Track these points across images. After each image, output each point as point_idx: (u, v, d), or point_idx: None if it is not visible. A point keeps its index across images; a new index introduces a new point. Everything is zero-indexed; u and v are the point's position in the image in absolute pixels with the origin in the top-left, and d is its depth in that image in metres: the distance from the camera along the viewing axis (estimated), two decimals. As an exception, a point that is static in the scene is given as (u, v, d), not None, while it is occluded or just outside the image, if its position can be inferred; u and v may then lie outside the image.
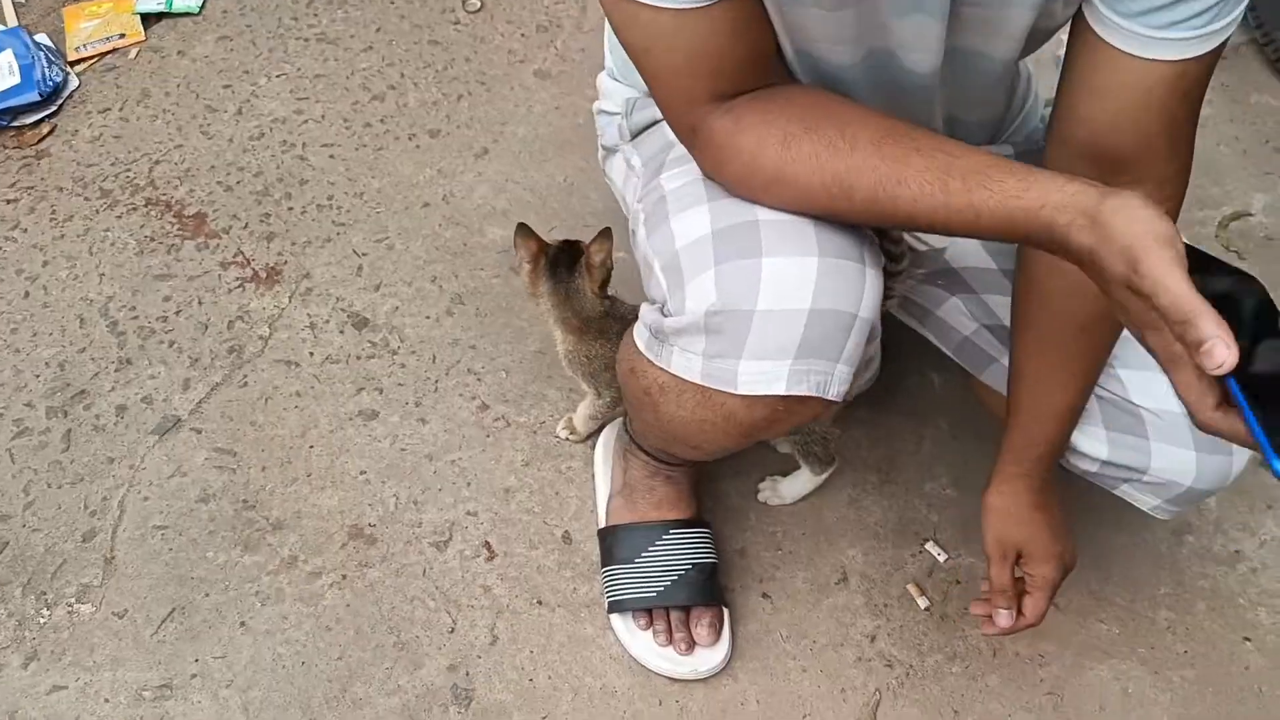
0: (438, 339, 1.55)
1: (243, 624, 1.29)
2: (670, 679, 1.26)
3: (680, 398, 0.93)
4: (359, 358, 1.52)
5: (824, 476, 1.37)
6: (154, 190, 1.71)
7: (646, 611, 1.27)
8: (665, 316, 0.91)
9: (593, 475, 1.41)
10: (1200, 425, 0.66)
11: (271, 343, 1.53)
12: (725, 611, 1.29)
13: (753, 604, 1.33)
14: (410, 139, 1.79)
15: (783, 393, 0.86)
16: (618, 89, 1.16)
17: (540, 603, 1.32)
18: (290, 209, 1.68)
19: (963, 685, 1.28)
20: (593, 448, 1.43)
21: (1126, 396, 1.05)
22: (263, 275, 1.60)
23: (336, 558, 1.34)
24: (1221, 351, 0.58)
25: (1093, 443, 1.07)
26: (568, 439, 1.45)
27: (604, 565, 1.31)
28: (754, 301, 0.84)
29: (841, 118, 0.84)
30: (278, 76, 1.87)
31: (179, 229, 1.66)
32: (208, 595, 1.31)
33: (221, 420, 1.45)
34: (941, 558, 1.38)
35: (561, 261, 1.26)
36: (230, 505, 1.38)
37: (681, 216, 0.92)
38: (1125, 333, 1.01)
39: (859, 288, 0.86)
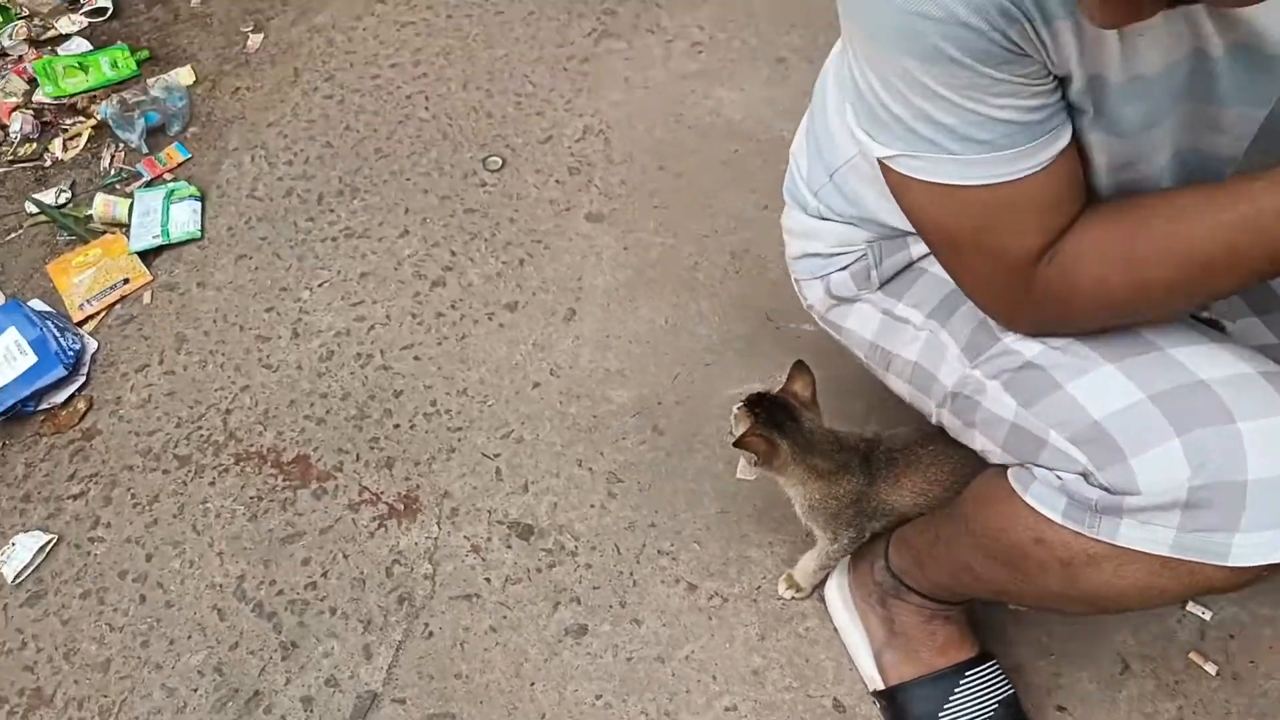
0: (612, 527, 1.44)
1: None
2: (1011, 829, 1.18)
3: (1121, 569, 0.87)
4: (539, 570, 1.40)
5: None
6: (237, 443, 1.55)
7: (967, 765, 1.19)
8: (1104, 491, 0.84)
9: (836, 631, 1.32)
10: None
11: (440, 579, 1.39)
12: (1040, 739, 1.21)
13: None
14: (490, 318, 1.68)
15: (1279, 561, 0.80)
16: (836, 229, 1.08)
17: (843, 785, 1.22)
18: (397, 426, 1.55)
19: (1287, 743, 1.23)
20: (821, 600, 1.34)
21: None
22: (400, 508, 1.47)
23: (613, 801, 1.22)
24: None
25: None
26: (794, 598, 1.35)
27: (900, 728, 1.22)
28: (1243, 471, 0.78)
29: (1149, 204, 0.80)
30: (320, 286, 1.74)
31: (285, 480, 1.51)
32: None
33: (422, 681, 1.31)
34: (1207, 615, 1.33)
35: (777, 418, 1.18)
36: (473, 776, 1.24)
37: (1083, 382, 0.86)
38: None
39: None
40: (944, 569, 1.11)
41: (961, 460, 1.15)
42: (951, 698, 1.20)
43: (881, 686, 1.25)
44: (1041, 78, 0.77)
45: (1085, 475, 0.87)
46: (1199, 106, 0.81)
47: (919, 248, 1.01)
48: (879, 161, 0.84)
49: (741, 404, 1.18)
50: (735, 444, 1.14)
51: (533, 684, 1.30)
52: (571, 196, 1.85)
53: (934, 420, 1.08)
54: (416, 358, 1.63)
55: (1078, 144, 0.82)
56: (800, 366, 1.21)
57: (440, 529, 1.44)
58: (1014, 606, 1.34)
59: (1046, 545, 0.91)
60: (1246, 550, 0.81)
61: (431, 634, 1.35)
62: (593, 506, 1.46)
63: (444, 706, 1.29)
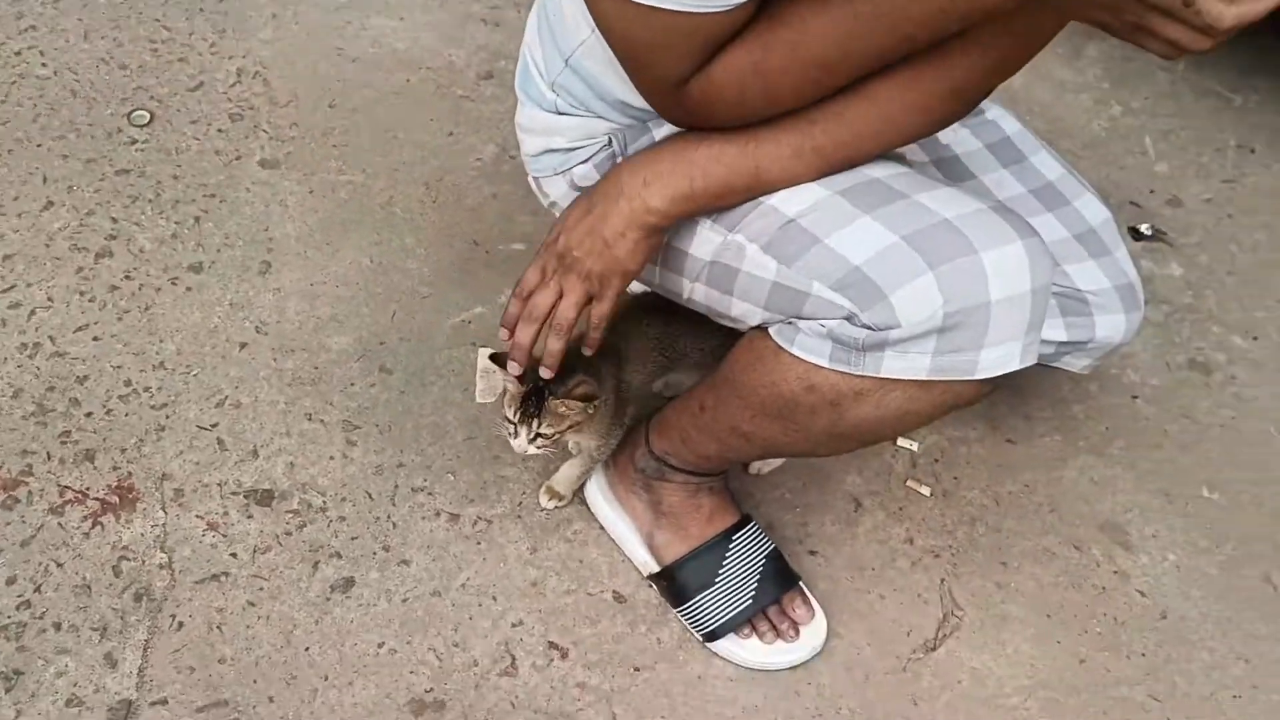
0: (358, 475, 1.38)
1: None
2: (793, 668, 1.27)
3: (884, 398, 0.95)
4: (289, 533, 1.32)
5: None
6: (-111, 468, 1.33)
7: (745, 621, 1.27)
8: (868, 329, 0.92)
9: (603, 529, 1.35)
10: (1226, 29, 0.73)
11: (178, 566, 1.28)
12: (802, 584, 1.32)
13: (809, 566, 1.37)
14: (174, 284, 1.53)
15: (1016, 369, 0.93)
16: (576, 123, 1.08)
17: (638, 669, 1.26)
18: (90, 415, 1.39)
19: (994, 539, 1.42)
20: (583, 503, 1.37)
21: (1074, 285, 1.20)
22: (114, 501, 1.32)
23: (417, 742, 1.19)
24: None
25: (1053, 331, 1.22)
26: (558, 507, 1.37)
27: (681, 603, 1.28)
28: (986, 294, 0.88)
29: (783, 16, 0.87)
30: (-44, 276, 1.51)
31: (-38, 496, 1.31)
32: None
33: (182, 676, 1.20)
34: (915, 447, 1.50)
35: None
36: (262, 757, 1.16)
37: (843, 234, 0.92)
38: (1065, 237, 1.18)
39: (1049, 261, 0.93)
40: (712, 438, 1.16)
41: (659, 329, 1.26)
42: (724, 563, 1.27)
43: (656, 569, 1.30)
44: None
45: (850, 318, 0.94)
46: None
47: (661, 130, 1.03)
48: None
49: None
50: (578, 398, 1.13)
51: (307, 649, 1.24)
52: (239, 144, 1.72)
53: (685, 298, 1.12)
54: (96, 338, 1.46)
55: None
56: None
57: (167, 514, 1.32)
58: (755, 470, 1.44)
59: (816, 390, 0.98)
60: (990, 363, 0.92)
61: (181, 624, 1.24)
62: (333, 459, 1.39)
63: (214, 695, 1.19)
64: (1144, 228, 1.82)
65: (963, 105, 0.96)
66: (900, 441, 1.50)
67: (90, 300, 1.50)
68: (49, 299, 1.50)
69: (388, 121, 1.79)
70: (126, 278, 1.53)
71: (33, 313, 1.48)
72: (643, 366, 1.25)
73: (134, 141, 1.70)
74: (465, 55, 1.93)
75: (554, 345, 1.08)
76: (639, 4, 0.84)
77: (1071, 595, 1.38)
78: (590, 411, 1.16)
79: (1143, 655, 1.33)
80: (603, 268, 1.03)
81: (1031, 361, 0.96)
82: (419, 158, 1.75)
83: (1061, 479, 1.49)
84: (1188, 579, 1.41)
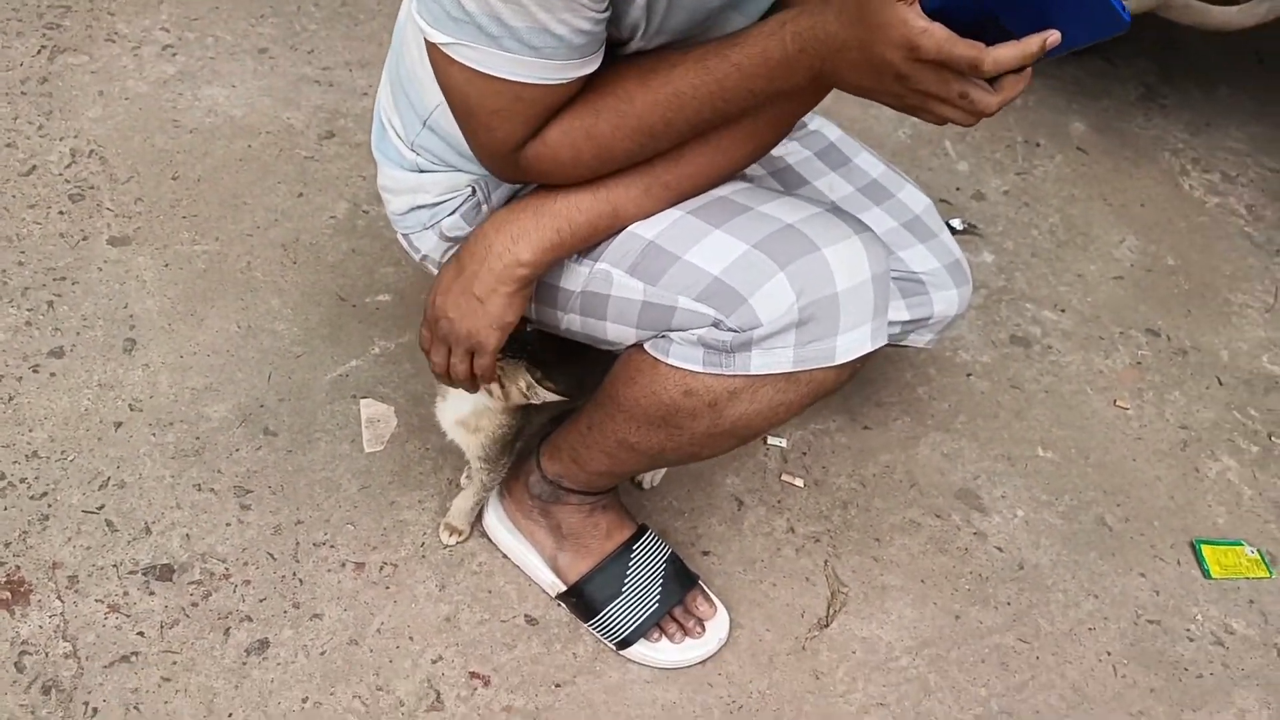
0: (257, 538, 1.39)
1: None
2: (704, 662, 1.36)
3: (756, 394, 1.04)
4: (195, 604, 1.32)
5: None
6: None
7: (654, 624, 1.34)
8: (734, 332, 1.01)
9: (505, 556, 1.41)
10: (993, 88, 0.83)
11: (84, 653, 1.26)
12: (701, 582, 1.40)
13: (705, 565, 1.46)
14: (35, 371, 1.51)
15: (869, 350, 1.03)
16: (439, 178, 1.14)
17: (558, 685, 1.32)
18: (-37, 514, 1.35)
19: (864, 519, 1.55)
20: (484, 536, 1.42)
21: (909, 269, 1.34)
22: (5, 597, 1.29)
23: (358, 787, 1.21)
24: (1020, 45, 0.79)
25: (897, 312, 1.35)
26: (459, 542, 1.42)
27: (592, 616, 1.34)
28: (833, 285, 0.99)
29: (610, 87, 0.98)
30: None
31: None
32: None
33: (104, 763, 1.19)
34: (784, 443, 1.62)
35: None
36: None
37: (699, 249, 1.01)
38: (895, 226, 1.32)
39: (883, 250, 1.05)
40: (601, 454, 1.23)
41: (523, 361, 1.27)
42: (627, 573, 1.35)
43: (564, 588, 1.36)
44: (601, 8, 0.90)
45: (716, 324, 1.03)
46: (727, 11, 0.99)
47: None
48: (429, 44, 0.94)
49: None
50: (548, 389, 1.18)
51: (230, 715, 1.24)
52: (83, 225, 1.69)
53: (562, 328, 1.20)
54: (-41, 435, 1.42)
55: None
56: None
57: (64, 602, 1.30)
58: (649, 484, 1.52)
59: (694, 394, 1.07)
60: (846, 348, 1.03)
61: (96, 710, 1.22)
62: (229, 525, 1.39)
63: (139, 776, 1.19)
64: (955, 222, 2.01)
65: (785, 132, 1.08)
66: (770, 440, 1.61)
67: (-54, 398, 1.46)
68: (-100, 401, 1.44)
69: (235, 188, 1.80)
70: (-17, 371, 1.49)
71: (-116, 418, 1.42)
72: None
73: (-31, 232, 1.65)
74: (304, 117, 1.95)
75: (469, 387, 1.16)
76: (484, 73, 0.92)
77: (940, 559, 1.52)
78: (535, 401, 1.20)
79: (1008, 604, 1.48)
80: (477, 325, 1.09)
81: (883, 342, 1.07)
82: (271, 220, 1.76)
83: (916, 456, 1.64)
84: (1036, 531, 1.57)
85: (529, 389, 1.19)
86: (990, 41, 0.79)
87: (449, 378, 1.16)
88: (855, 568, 1.49)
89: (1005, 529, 1.57)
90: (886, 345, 1.10)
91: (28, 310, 1.57)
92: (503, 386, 1.20)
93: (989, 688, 1.39)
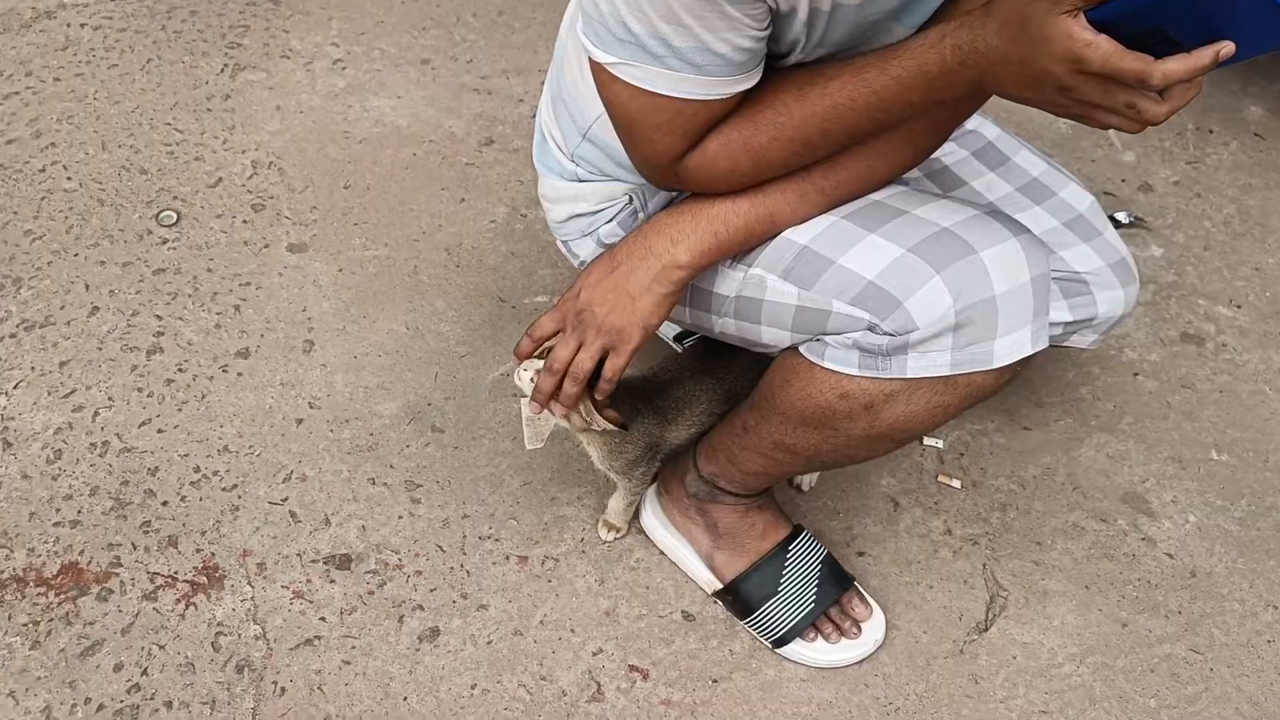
0: (427, 530, 1.46)
1: None
2: (860, 663, 1.36)
3: (912, 397, 1.05)
4: (371, 592, 1.40)
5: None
6: (-17, 576, 1.39)
7: (810, 624, 1.35)
8: (889, 336, 1.01)
9: (662, 552, 1.44)
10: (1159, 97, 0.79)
11: (273, 635, 1.35)
12: (857, 583, 1.40)
13: (860, 566, 1.46)
14: (224, 371, 1.61)
15: (1029, 353, 1.02)
16: (598, 188, 1.18)
17: (715, 680, 1.34)
18: (165, 503, 1.46)
19: (1025, 521, 1.52)
20: (641, 532, 1.45)
21: (1071, 269, 1.30)
22: (202, 581, 1.39)
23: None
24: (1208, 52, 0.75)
25: (1059, 313, 1.31)
26: (617, 538, 1.46)
27: (748, 614, 1.36)
28: (990, 289, 0.98)
29: (768, 100, 0.99)
30: (16, 388, 1.58)
31: (58, 594, 1.38)
32: None
33: (292, 738, 1.27)
34: (940, 444, 1.60)
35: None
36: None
37: (853, 253, 1.02)
38: (1056, 226, 1.28)
39: (1043, 251, 1.04)
40: (757, 455, 1.25)
41: (713, 389, 1.33)
42: (783, 573, 1.36)
43: (720, 586, 1.38)
44: (762, 26, 0.91)
45: (871, 328, 1.04)
46: (888, 23, 0.99)
47: None
48: (593, 62, 0.97)
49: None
50: (602, 415, 1.20)
51: (405, 699, 1.31)
52: (265, 233, 1.80)
53: (716, 331, 1.22)
54: (160, 430, 1.54)
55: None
56: None
57: (254, 588, 1.39)
58: (805, 486, 1.53)
59: (850, 397, 1.08)
60: (1005, 351, 1.02)
61: (284, 690, 1.31)
62: (401, 518, 1.47)
63: (324, 752, 1.27)
64: (1121, 215, 1.94)
65: (943, 138, 1.07)
66: (926, 441, 1.59)
67: (149, 396, 1.58)
68: (109, 399, 1.57)
69: (401, 195, 1.89)
70: (179, 370, 1.61)
71: (96, 414, 1.55)
72: (685, 429, 1.33)
73: (165, 241, 1.78)
74: (464, 125, 2.03)
75: (570, 389, 1.15)
76: (647, 90, 0.95)
77: (1105, 565, 1.47)
78: (598, 430, 1.22)
79: (1179, 613, 1.43)
80: (623, 322, 1.11)
81: (1043, 345, 1.05)
82: (436, 226, 1.84)
83: (1079, 458, 1.59)
84: (1210, 537, 1.51)
85: (588, 414, 1.20)
86: (1158, 52, 0.76)
87: (550, 377, 1.14)
88: (1015, 571, 1.46)
89: (1176, 534, 1.51)
90: (1055, 344, 1.08)
91: (217, 314, 1.69)
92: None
93: (1159, 699, 1.35)
